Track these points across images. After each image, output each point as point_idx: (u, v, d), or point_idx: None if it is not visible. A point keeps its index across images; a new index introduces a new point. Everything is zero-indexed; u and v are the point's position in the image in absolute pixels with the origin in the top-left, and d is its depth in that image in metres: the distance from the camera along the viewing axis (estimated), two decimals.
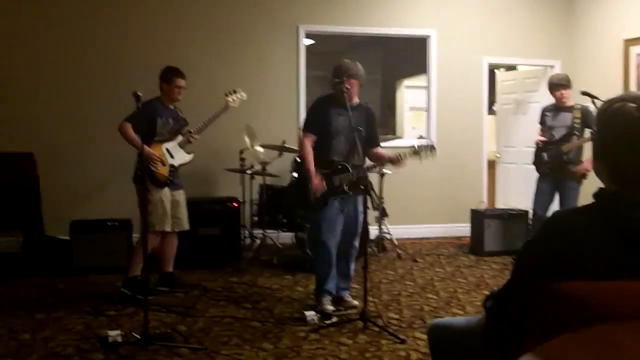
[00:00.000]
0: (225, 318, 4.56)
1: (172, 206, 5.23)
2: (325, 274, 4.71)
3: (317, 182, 4.61)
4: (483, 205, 7.42)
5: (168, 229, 5.17)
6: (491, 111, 9.07)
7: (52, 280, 5.54)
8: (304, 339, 4.12)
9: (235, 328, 4.35)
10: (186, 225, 5.40)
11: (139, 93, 4.02)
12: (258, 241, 6.47)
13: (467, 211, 7.38)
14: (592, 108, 5.79)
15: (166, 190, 5.17)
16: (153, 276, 5.20)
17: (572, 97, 6.25)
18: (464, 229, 7.71)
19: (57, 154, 6.83)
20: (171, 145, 5.19)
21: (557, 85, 6.23)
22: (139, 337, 3.87)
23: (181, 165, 5.28)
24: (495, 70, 9.37)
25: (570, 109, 6.19)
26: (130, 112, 4.95)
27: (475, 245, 7.14)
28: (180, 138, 5.23)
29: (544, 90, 7.09)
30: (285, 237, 6.79)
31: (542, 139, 6.38)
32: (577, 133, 6.11)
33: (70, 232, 5.86)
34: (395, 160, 4.71)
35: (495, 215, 7.09)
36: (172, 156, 5.18)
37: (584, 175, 6.08)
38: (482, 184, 8.34)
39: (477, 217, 7.13)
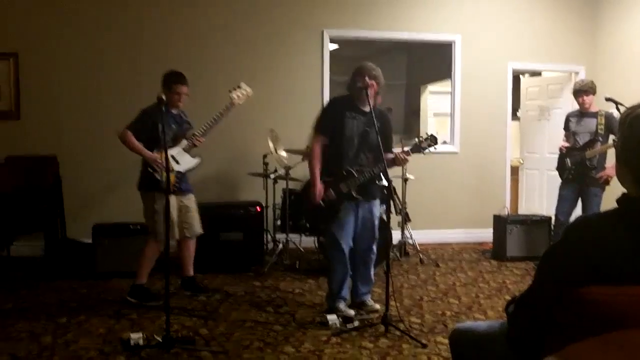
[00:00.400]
0: (247, 322, 4.58)
1: (182, 212, 5.17)
2: (339, 279, 4.71)
3: (320, 189, 4.58)
4: (506, 210, 7.37)
5: (175, 236, 5.11)
6: (515, 117, 9.02)
7: (74, 284, 5.59)
8: (326, 343, 4.12)
9: (257, 332, 4.36)
10: (198, 230, 5.34)
11: (163, 96, 4.04)
12: (281, 245, 6.48)
13: (490, 217, 7.34)
14: (616, 114, 5.76)
15: (172, 198, 4.93)
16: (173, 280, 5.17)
17: (597, 104, 6.20)
18: (486, 234, 7.67)
19: (80, 157, 6.91)
20: (175, 151, 5.05)
21: (580, 91, 6.22)
22: (160, 340, 3.88)
23: (187, 170, 5.18)
24: (520, 76, 9.32)
25: (594, 115, 6.16)
26: (131, 120, 4.99)
27: (497, 251, 7.09)
28: (184, 143, 5.09)
29: (567, 97, 7.05)
30: (308, 242, 6.79)
31: (566, 144, 6.36)
32: (600, 139, 6.07)
33: (92, 235, 5.90)
34: (397, 159, 4.63)
35: (518, 221, 7.04)
36: (177, 162, 5.05)
37: (607, 182, 6.04)
38: (505, 190, 8.29)
39: (500, 223, 7.09)
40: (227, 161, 7.38)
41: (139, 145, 4.92)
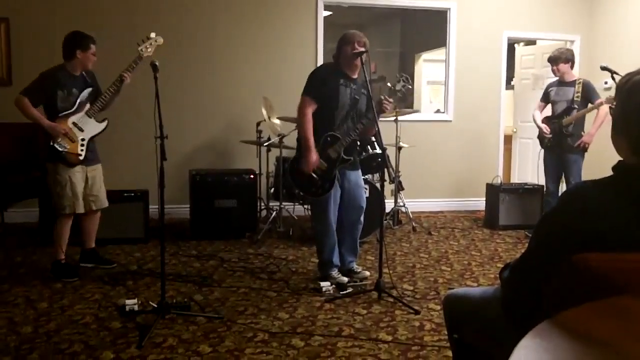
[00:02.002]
0: (241, 288, 4.61)
1: (88, 184, 4.88)
2: (331, 248, 4.72)
3: (315, 158, 4.50)
4: (498, 179, 7.40)
5: (80, 210, 4.83)
6: (509, 86, 9.00)
7: (69, 250, 5.59)
8: (319, 309, 4.16)
9: (251, 298, 4.39)
10: (105, 203, 5.06)
11: (156, 62, 3.98)
12: (274, 213, 6.51)
13: (483, 185, 7.38)
14: (611, 83, 5.78)
15: (78, 168, 4.76)
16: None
17: (592, 72, 6.24)
18: (479, 203, 7.73)
19: None
20: (78, 117, 4.71)
21: (551, 59, 6.38)
22: (155, 306, 3.91)
23: (93, 136, 4.84)
24: (515, 45, 9.27)
25: (572, 83, 6.31)
26: (28, 84, 4.74)
27: (489, 219, 7.15)
28: (87, 107, 4.75)
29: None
30: (301, 210, 6.82)
31: (537, 114, 6.56)
32: (576, 106, 6.21)
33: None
34: (379, 108, 4.48)
35: (511, 190, 7.08)
36: (80, 129, 4.72)
37: (585, 148, 6.20)
38: (498, 159, 8.33)
39: (492, 192, 7.13)
40: (220, 129, 7.36)
41: (36, 113, 4.62)
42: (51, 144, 4.62)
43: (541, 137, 6.52)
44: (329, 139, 4.55)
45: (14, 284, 4.64)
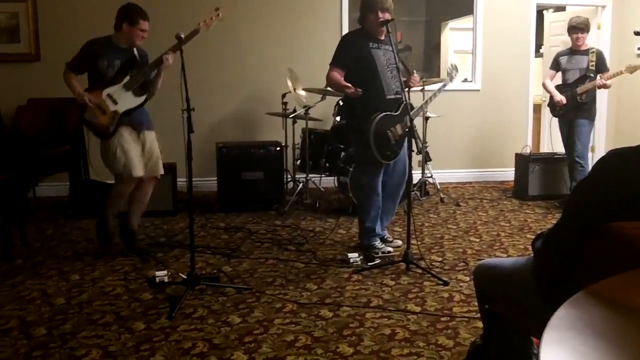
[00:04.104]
0: (269, 260, 4.63)
1: (145, 149, 4.75)
2: (375, 217, 4.70)
3: (355, 89, 4.37)
4: (528, 149, 7.30)
5: (138, 173, 4.65)
6: (538, 54, 8.83)
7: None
8: (347, 280, 4.16)
9: (279, 269, 4.42)
10: (160, 170, 4.89)
11: (181, 35, 3.95)
12: (300, 185, 6.51)
13: (511, 155, 7.29)
14: None
15: (126, 134, 4.61)
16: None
17: (622, 38, 6.15)
18: (507, 173, 7.65)
19: None
20: (114, 89, 4.55)
21: (575, 28, 6.29)
22: (185, 277, 3.94)
23: (129, 110, 4.61)
24: (544, 11, 9.09)
25: (585, 52, 6.28)
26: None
27: (518, 190, 7.07)
28: (126, 80, 4.56)
29: (592, 31, 6.89)
30: (328, 181, 6.81)
31: (549, 82, 6.54)
32: (591, 75, 6.19)
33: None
34: (408, 83, 4.64)
35: (540, 160, 6.99)
36: (115, 102, 4.55)
37: (605, 86, 6.20)
38: (527, 128, 8.21)
39: (522, 161, 7.04)
40: (246, 101, 7.35)
41: (74, 84, 4.53)
42: (82, 114, 4.57)
43: (552, 105, 6.50)
44: (398, 112, 4.56)
45: (46, 256, 4.71)
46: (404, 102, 4.45)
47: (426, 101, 5.60)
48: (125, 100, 4.58)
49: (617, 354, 1.10)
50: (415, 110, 4.55)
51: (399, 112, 4.54)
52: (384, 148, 4.53)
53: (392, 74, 4.55)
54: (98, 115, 4.53)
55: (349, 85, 4.38)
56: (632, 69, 5.99)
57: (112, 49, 4.58)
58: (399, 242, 4.86)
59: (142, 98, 4.65)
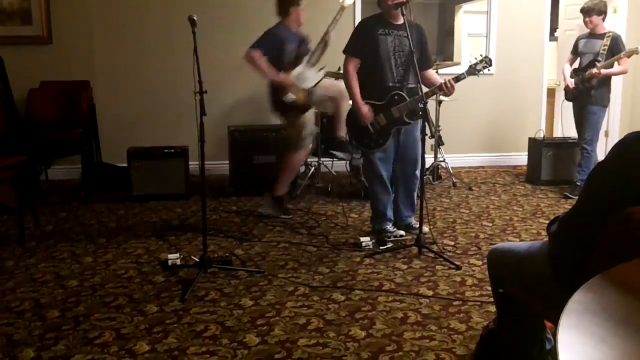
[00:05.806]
0: (281, 243, 4.64)
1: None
2: (384, 201, 4.68)
3: (365, 110, 4.45)
4: (541, 133, 7.23)
5: (309, 144, 5.46)
6: (553, 37, 8.74)
7: (112, 206, 5.69)
8: (359, 264, 4.16)
9: (291, 252, 4.42)
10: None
11: (194, 17, 3.96)
12: (312, 169, 6.49)
13: (525, 140, 7.24)
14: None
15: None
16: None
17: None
18: (520, 158, 7.60)
19: (113, 82, 6.90)
20: (299, 70, 5.17)
21: (586, 10, 6.22)
22: (197, 260, 3.95)
23: (315, 85, 5.24)
24: None
25: (602, 36, 6.19)
26: (256, 39, 5.07)
27: (531, 174, 7.02)
28: (306, 60, 5.22)
29: (609, 15, 6.80)
30: (340, 165, 6.79)
31: (567, 66, 6.50)
32: (600, 59, 6.09)
33: (127, 159, 5.92)
34: (444, 88, 4.46)
35: (553, 144, 6.93)
36: (302, 80, 5.18)
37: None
38: (541, 113, 8.14)
39: (535, 146, 6.99)
40: (258, 84, 7.25)
41: (270, 66, 5.02)
42: (281, 98, 5.12)
43: (565, 89, 6.49)
44: (395, 97, 4.47)
45: (59, 239, 4.73)
46: (393, 93, 4.45)
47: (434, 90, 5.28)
48: (310, 77, 5.21)
49: (636, 339, 1.08)
50: (424, 92, 4.39)
51: (384, 102, 4.49)
52: (362, 136, 4.57)
53: (399, 60, 4.49)
54: (296, 94, 5.14)
55: (361, 100, 4.48)
56: (629, 53, 5.96)
57: (289, 34, 5.18)
58: (425, 229, 4.76)
59: (322, 73, 5.31)
